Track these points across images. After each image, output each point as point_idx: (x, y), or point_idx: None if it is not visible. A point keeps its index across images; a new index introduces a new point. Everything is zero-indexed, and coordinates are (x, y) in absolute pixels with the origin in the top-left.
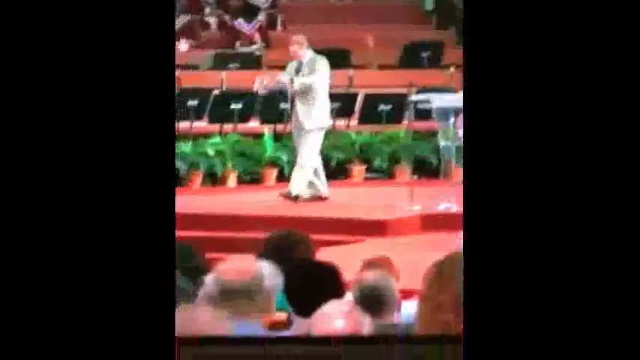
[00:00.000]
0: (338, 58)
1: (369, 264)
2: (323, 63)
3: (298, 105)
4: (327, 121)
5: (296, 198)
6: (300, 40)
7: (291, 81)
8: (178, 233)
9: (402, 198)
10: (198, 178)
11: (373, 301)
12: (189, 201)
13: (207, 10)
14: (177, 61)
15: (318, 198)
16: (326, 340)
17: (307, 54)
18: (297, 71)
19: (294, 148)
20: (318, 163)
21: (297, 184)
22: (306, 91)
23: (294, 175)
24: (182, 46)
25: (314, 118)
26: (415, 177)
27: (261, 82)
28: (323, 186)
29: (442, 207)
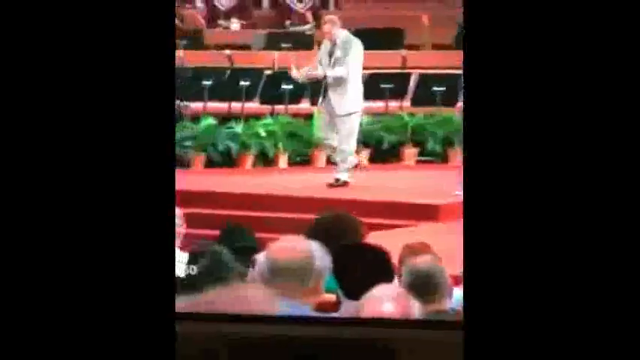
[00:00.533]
0: (392, 38)
1: (409, 249)
2: (357, 47)
3: (330, 91)
4: (359, 106)
5: (344, 184)
6: (333, 20)
7: (324, 76)
8: (230, 212)
9: (455, 182)
10: (249, 159)
11: (425, 286)
12: (240, 181)
13: None
14: (229, 41)
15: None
16: (375, 323)
17: (341, 34)
18: (331, 54)
19: (320, 132)
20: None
21: (342, 171)
22: (338, 80)
23: (337, 161)
24: (233, 25)
25: (347, 104)
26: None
27: (296, 70)
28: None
29: None
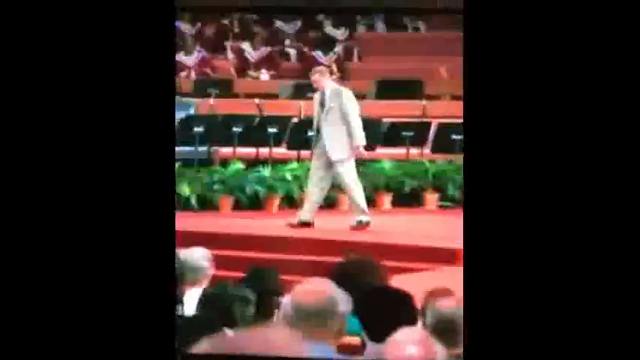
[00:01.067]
0: (412, 89)
1: (432, 293)
2: (350, 96)
3: (325, 135)
4: (351, 152)
5: (367, 224)
6: (322, 70)
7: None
8: (255, 255)
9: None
10: (276, 202)
11: (448, 330)
12: (267, 224)
13: (287, 41)
14: (259, 90)
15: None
16: None
17: (329, 85)
18: (322, 103)
19: (314, 178)
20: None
21: (358, 212)
22: (338, 123)
23: (354, 205)
24: (262, 75)
25: (341, 149)
26: None
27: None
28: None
29: None
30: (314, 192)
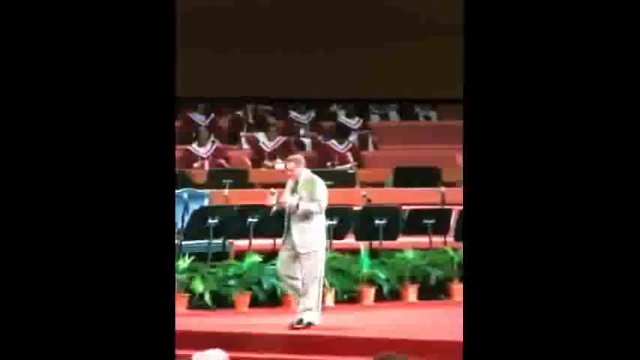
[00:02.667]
0: (429, 176)
1: None
2: (322, 186)
3: (293, 227)
4: (321, 245)
5: (308, 325)
6: (298, 159)
7: (297, 206)
8: (276, 356)
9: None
10: (294, 298)
11: None
12: (284, 321)
13: (302, 131)
14: (274, 180)
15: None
16: None
17: (303, 173)
18: (293, 191)
19: (282, 269)
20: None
21: (305, 310)
22: (304, 215)
23: (300, 300)
24: (278, 165)
25: (309, 242)
26: None
27: (272, 195)
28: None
29: None
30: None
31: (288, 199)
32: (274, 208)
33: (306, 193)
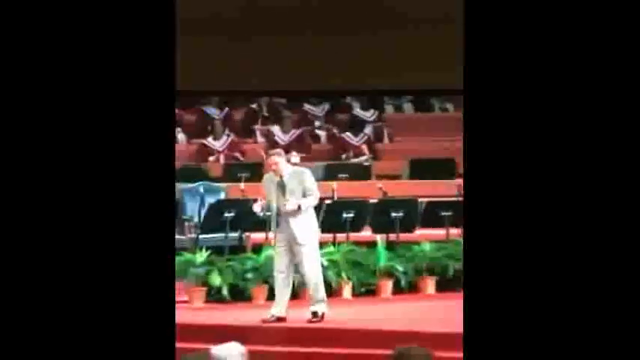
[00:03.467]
0: (444, 168)
1: None
2: (310, 176)
3: (291, 222)
4: (317, 234)
5: (323, 316)
6: (280, 153)
7: (299, 207)
8: (295, 349)
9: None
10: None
11: None
12: (303, 314)
13: (317, 123)
14: None
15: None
16: None
17: (286, 167)
18: (282, 186)
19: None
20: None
21: (317, 302)
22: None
23: (310, 294)
24: (293, 158)
25: (308, 232)
26: None
27: (259, 205)
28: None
29: None
30: (287, 282)
31: (289, 205)
32: (261, 214)
33: (297, 186)
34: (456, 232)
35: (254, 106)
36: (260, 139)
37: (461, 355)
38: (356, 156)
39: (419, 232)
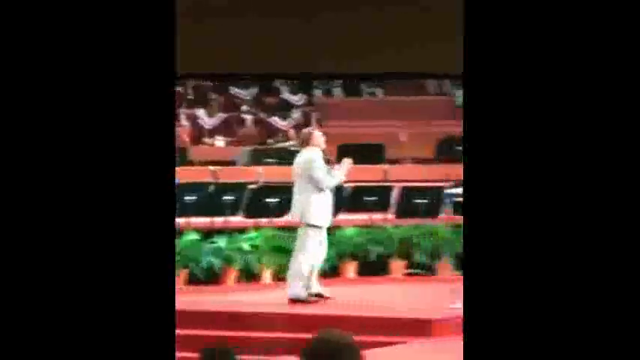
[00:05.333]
0: (373, 153)
1: None
2: (312, 155)
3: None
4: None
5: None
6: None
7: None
8: (213, 333)
9: (445, 296)
10: (233, 274)
11: None
12: (223, 299)
13: (244, 107)
14: (214, 157)
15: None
16: None
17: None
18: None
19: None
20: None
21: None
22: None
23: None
24: (218, 142)
25: (302, 213)
26: (458, 273)
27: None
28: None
29: None
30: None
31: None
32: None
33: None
34: (379, 217)
35: (179, 88)
36: (184, 122)
37: (384, 339)
38: (283, 141)
39: (343, 217)
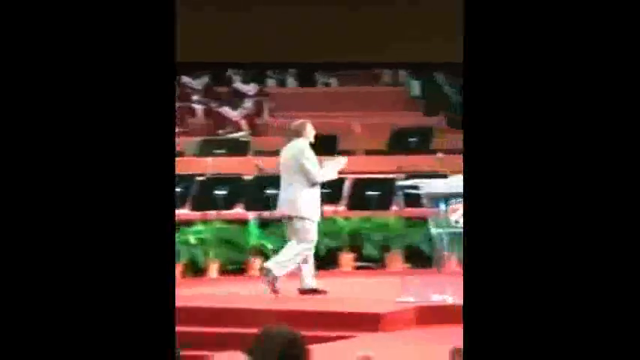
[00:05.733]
0: (325, 144)
1: None
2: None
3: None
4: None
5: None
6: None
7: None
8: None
9: (395, 289)
10: (178, 269)
11: None
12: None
13: (195, 97)
14: None
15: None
16: None
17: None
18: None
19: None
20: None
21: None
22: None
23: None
24: None
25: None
26: (408, 266)
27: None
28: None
29: (437, 298)
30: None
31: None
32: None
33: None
34: (331, 209)
35: None
36: None
37: (332, 333)
38: (234, 131)
39: None
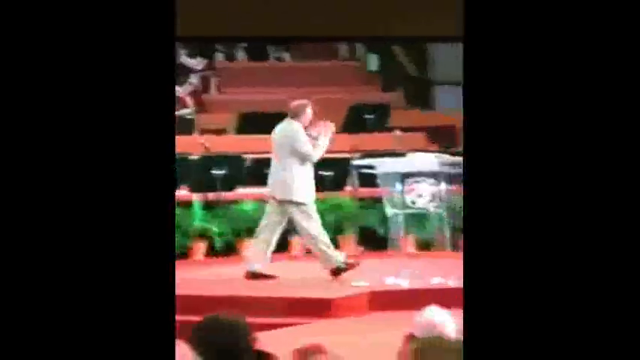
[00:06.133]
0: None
1: (302, 352)
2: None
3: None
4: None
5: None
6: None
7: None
8: None
9: (348, 272)
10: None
11: None
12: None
13: None
14: None
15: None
16: None
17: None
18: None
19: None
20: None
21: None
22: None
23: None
24: None
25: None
26: (361, 248)
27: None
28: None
29: (391, 282)
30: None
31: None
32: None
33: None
34: None
35: None
36: None
37: (279, 320)
38: (179, 108)
39: (242, 191)
